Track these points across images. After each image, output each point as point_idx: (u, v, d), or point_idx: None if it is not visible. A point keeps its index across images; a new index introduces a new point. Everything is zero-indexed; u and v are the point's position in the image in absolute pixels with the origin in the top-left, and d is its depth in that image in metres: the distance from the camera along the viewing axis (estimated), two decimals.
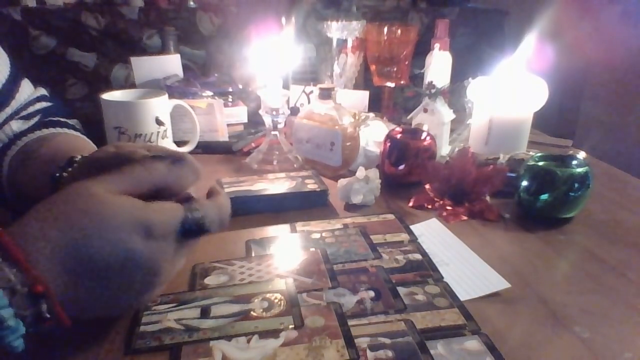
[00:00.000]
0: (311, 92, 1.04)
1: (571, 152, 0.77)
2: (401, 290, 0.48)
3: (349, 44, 1.08)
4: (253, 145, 0.92)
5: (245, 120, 1.03)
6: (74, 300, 0.35)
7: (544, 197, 0.62)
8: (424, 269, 0.52)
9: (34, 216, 0.36)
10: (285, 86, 0.91)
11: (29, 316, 0.33)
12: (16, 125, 0.62)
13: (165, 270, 0.39)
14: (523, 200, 0.65)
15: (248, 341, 0.40)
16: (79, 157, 0.51)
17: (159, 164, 0.41)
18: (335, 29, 1.06)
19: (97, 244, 0.35)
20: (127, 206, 0.37)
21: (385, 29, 0.99)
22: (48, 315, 0.34)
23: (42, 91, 0.68)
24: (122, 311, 0.42)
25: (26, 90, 0.65)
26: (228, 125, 0.97)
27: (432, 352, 0.39)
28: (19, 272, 0.32)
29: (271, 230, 0.61)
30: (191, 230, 0.40)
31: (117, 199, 0.37)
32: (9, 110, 0.62)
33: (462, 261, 0.54)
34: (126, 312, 0.43)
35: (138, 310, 0.44)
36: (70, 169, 0.50)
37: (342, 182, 0.69)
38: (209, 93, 1.00)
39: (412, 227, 0.62)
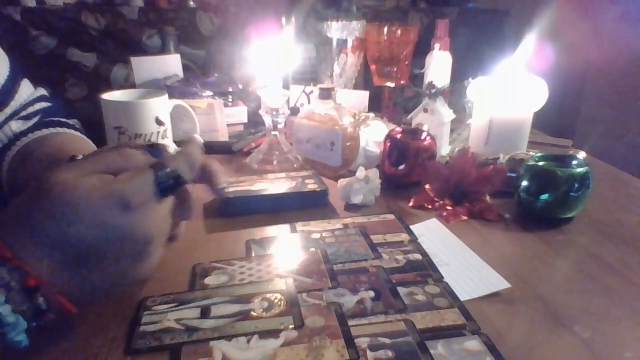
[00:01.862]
0: (311, 92, 1.04)
1: (571, 152, 0.77)
2: (401, 290, 0.48)
3: (349, 44, 1.08)
4: (253, 145, 0.92)
5: (245, 120, 1.03)
6: (73, 287, 0.36)
7: (544, 197, 0.62)
8: (424, 269, 0.52)
9: (12, 212, 0.36)
10: (285, 86, 0.91)
11: (27, 310, 0.33)
12: (16, 126, 0.62)
13: (157, 235, 0.40)
14: (523, 200, 0.65)
15: (248, 341, 0.40)
16: (80, 156, 0.51)
17: (133, 152, 0.41)
18: (335, 29, 1.06)
19: (79, 228, 0.35)
20: (96, 184, 0.36)
21: (385, 29, 0.99)
22: (45, 307, 0.34)
23: (42, 91, 0.68)
24: (126, 285, 0.42)
25: (26, 90, 0.65)
26: (228, 125, 0.97)
27: (432, 352, 0.39)
28: (10, 269, 0.33)
29: (271, 230, 0.61)
30: (168, 186, 0.40)
31: (85, 180, 0.37)
32: (8, 111, 0.62)
33: (462, 261, 0.54)
34: (131, 285, 0.43)
35: (138, 310, 0.44)
36: None
37: (342, 182, 0.69)
38: (209, 93, 1.00)
39: (412, 227, 0.62)
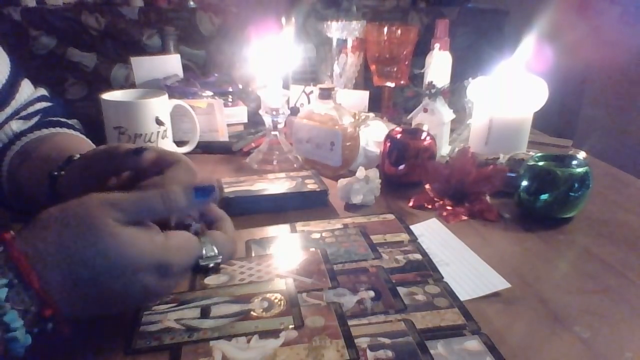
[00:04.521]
0: (311, 92, 1.04)
1: (571, 152, 0.77)
2: (401, 290, 0.48)
3: (349, 44, 1.08)
4: (253, 145, 0.92)
5: (245, 120, 1.03)
6: (77, 312, 0.36)
7: (544, 197, 0.62)
8: (424, 269, 0.52)
9: (48, 236, 0.35)
10: (285, 86, 0.91)
11: (35, 332, 0.34)
12: (16, 125, 0.62)
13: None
14: (523, 200, 0.65)
15: (248, 341, 0.40)
16: (77, 156, 0.51)
17: (179, 192, 0.39)
18: (335, 29, 1.06)
19: (114, 282, 0.36)
20: (147, 246, 0.36)
21: (385, 29, 0.99)
22: (51, 331, 0.35)
23: (42, 91, 0.68)
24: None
25: (26, 90, 0.65)
26: (228, 125, 0.97)
27: (432, 352, 0.39)
28: (33, 295, 0.33)
29: (271, 230, 0.61)
30: (204, 268, 0.41)
31: (134, 236, 0.36)
32: (9, 110, 0.62)
33: (462, 261, 0.54)
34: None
35: (138, 310, 0.44)
36: (67, 168, 0.50)
37: (342, 182, 0.69)
38: (209, 93, 1.00)
39: (412, 227, 0.62)
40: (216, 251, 0.41)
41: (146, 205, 0.38)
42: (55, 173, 0.50)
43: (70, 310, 0.35)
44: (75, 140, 0.63)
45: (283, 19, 1.03)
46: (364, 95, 1.04)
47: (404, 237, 0.59)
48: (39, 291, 0.33)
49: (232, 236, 0.45)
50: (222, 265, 0.52)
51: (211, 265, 0.41)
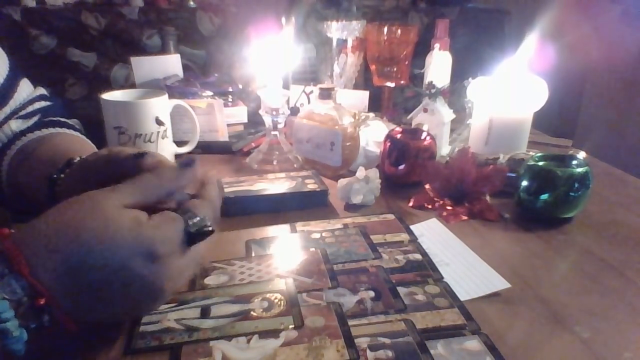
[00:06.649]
0: (311, 92, 1.04)
1: (571, 152, 0.77)
2: (401, 290, 0.48)
3: (349, 44, 1.08)
4: (253, 145, 0.92)
5: (245, 120, 1.03)
6: (73, 310, 0.36)
7: (544, 197, 0.62)
8: (424, 269, 0.52)
9: (43, 225, 0.35)
10: (285, 86, 0.91)
11: (32, 327, 0.34)
12: (15, 125, 0.62)
13: (170, 291, 0.39)
14: (523, 200, 0.65)
15: (248, 341, 0.40)
16: (77, 158, 0.51)
17: (167, 170, 0.41)
18: (335, 29, 1.06)
19: (99, 264, 0.35)
20: (132, 225, 0.36)
21: (385, 29, 0.99)
22: (48, 325, 0.34)
23: (42, 91, 0.68)
24: (123, 319, 0.43)
25: (25, 89, 0.65)
26: (228, 125, 0.97)
27: (432, 352, 0.39)
28: (24, 286, 0.33)
29: (271, 230, 0.61)
30: (196, 236, 0.39)
31: (123, 214, 0.36)
32: (7, 110, 0.62)
33: (462, 261, 0.54)
34: (127, 319, 0.43)
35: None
36: (67, 171, 0.50)
37: (342, 182, 0.69)
38: (209, 93, 1.00)
39: (412, 227, 0.62)
40: (199, 218, 0.39)
41: (144, 185, 0.39)
42: (55, 176, 0.50)
43: (69, 303, 0.35)
44: (75, 141, 0.63)
45: (283, 19, 1.03)
46: (364, 95, 1.04)
47: (404, 237, 0.59)
48: (28, 279, 0.33)
49: (213, 199, 0.43)
50: (221, 265, 0.52)
51: (207, 228, 0.39)
